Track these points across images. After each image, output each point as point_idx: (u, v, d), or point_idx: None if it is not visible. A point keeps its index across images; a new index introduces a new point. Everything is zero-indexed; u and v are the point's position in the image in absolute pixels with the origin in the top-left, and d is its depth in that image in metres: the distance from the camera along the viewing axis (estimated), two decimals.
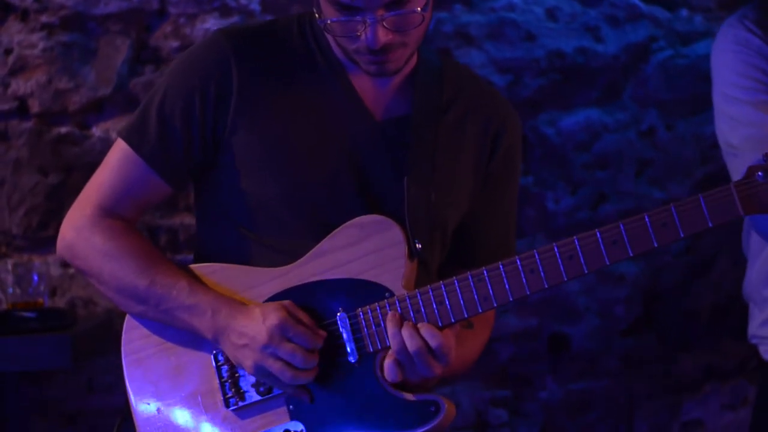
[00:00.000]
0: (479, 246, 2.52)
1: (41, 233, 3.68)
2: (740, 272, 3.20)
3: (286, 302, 2.34)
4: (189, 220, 3.70)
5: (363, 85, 2.44)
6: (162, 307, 2.39)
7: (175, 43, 3.70)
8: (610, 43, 3.84)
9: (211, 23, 3.70)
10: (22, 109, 3.69)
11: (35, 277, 3.51)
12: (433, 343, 2.28)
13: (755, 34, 2.99)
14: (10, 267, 3.55)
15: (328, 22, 2.32)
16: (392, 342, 2.29)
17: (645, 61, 3.86)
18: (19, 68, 3.68)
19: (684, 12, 3.88)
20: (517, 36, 3.80)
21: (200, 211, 2.53)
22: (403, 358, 2.29)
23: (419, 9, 2.31)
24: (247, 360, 2.32)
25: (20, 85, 3.68)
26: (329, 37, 2.42)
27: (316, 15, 2.35)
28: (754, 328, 3.11)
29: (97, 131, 3.70)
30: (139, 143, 2.42)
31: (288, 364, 2.30)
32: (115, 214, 2.45)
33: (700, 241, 3.91)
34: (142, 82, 3.69)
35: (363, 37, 2.31)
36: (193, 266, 2.44)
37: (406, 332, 2.29)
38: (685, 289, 3.92)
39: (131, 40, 3.70)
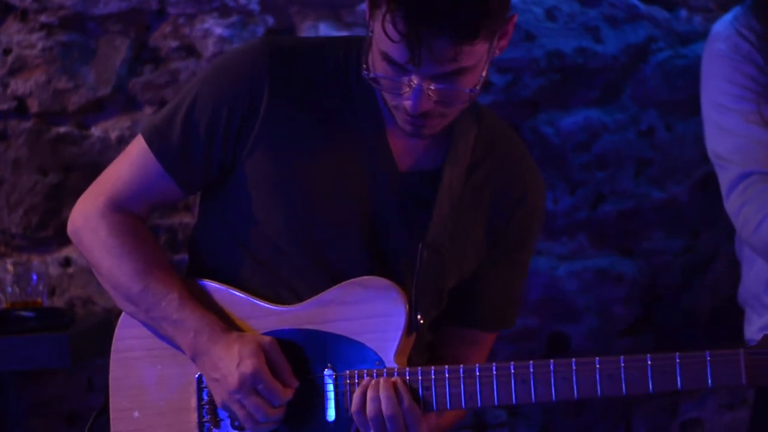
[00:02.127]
0: (479, 309, 2.49)
1: (40, 233, 3.68)
2: (738, 274, 3.20)
3: (267, 342, 2.31)
4: (188, 219, 3.70)
5: (396, 133, 2.36)
6: (151, 314, 2.39)
7: (174, 43, 3.70)
8: (609, 43, 3.84)
9: (211, 23, 3.70)
10: (21, 109, 3.69)
11: (34, 277, 3.51)
12: (406, 402, 2.24)
13: (746, 39, 2.95)
14: (9, 266, 3.56)
15: (376, 76, 2.25)
16: (369, 405, 2.25)
17: (644, 62, 3.86)
18: (18, 68, 3.68)
19: (683, 12, 3.88)
20: (517, 36, 3.80)
21: (204, 215, 2.52)
22: (376, 423, 2.25)
23: (468, 90, 2.24)
24: (216, 394, 2.33)
25: (19, 85, 3.68)
26: None
27: (364, 67, 2.27)
28: (752, 332, 3.09)
29: (96, 131, 3.70)
30: (159, 147, 2.41)
31: (252, 415, 2.29)
32: (125, 209, 2.45)
33: (699, 241, 3.91)
34: (141, 82, 3.69)
35: (404, 98, 2.23)
36: (201, 281, 2.43)
37: (383, 394, 2.25)
38: (685, 289, 3.92)
39: (130, 40, 3.70)
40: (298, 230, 2.36)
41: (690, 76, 3.86)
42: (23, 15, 3.67)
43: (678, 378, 2.16)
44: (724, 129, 2.95)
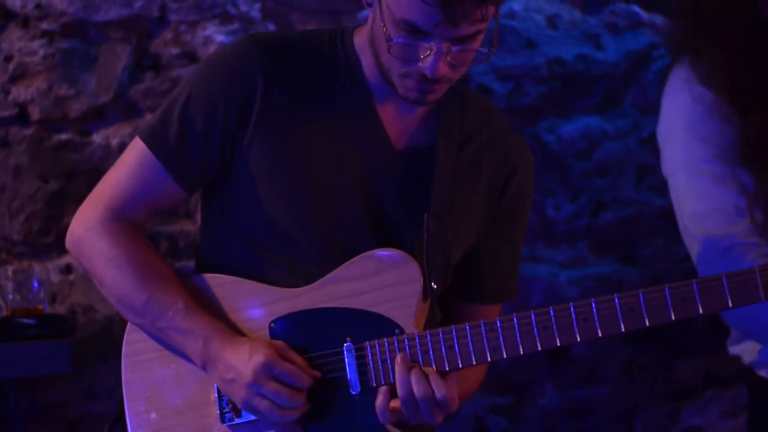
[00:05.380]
0: (481, 282, 2.52)
1: (41, 240, 3.68)
2: None
3: (278, 342, 2.33)
4: (189, 226, 3.70)
5: (387, 111, 2.41)
6: (157, 324, 2.39)
7: (175, 51, 3.70)
8: (610, 50, 3.84)
9: (212, 30, 3.70)
10: (22, 116, 3.69)
11: (35, 284, 3.51)
12: (438, 394, 2.27)
13: (708, 88, 2.83)
14: (10, 273, 3.56)
15: (393, 42, 2.27)
16: (399, 387, 2.27)
17: (645, 69, 3.86)
18: (20, 75, 3.68)
19: None
20: (518, 43, 3.81)
21: (207, 220, 2.52)
22: (408, 404, 2.28)
23: (482, 49, 2.30)
24: (235, 395, 2.33)
25: (21, 92, 3.68)
26: (362, 58, 2.40)
27: (385, 33, 2.28)
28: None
29: (97, 138, 3.71)
30: (158, 146, 2.41)
31: (274, 402, 2.29)
32: (126, 216, 2.44)
33: None
34: (143, 89, 3.70)
35: (423, 63, 2.27)
36: (205, 276, 2.43)
37: (414, 376, 2.27)
38: None
39: (132, 47, 3.70)
40: (302, 215, 2.38)
41: None
42: (25, 22, 3.67)
43: (698, 302, 2.20)
44: (690, 190, 2.88)
